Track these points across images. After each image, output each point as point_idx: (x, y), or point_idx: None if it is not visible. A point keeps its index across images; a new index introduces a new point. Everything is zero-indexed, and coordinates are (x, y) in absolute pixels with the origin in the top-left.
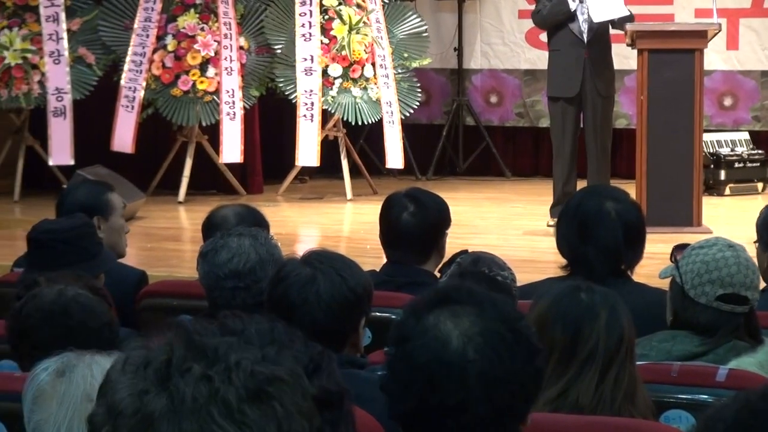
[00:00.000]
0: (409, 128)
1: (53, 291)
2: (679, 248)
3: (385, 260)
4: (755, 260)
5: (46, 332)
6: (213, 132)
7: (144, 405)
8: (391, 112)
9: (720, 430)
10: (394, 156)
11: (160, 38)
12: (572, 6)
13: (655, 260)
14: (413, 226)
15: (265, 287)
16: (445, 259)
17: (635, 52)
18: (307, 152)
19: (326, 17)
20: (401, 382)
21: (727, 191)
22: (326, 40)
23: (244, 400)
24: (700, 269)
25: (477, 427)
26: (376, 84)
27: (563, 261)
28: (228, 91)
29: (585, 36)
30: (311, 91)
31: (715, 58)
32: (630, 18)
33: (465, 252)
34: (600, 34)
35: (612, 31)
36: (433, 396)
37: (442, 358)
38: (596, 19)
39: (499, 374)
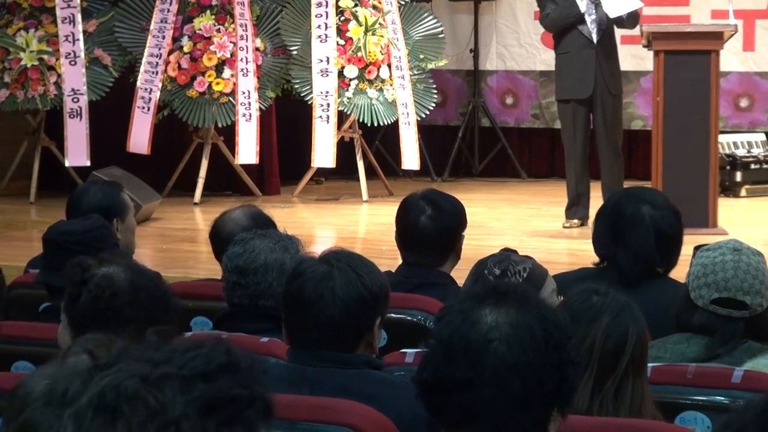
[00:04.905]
0: (424, 129)
1: (120, 270)
2: (699, 249)
3: (400, 261)
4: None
5: (144, 307)
6: (229, 133)
7: None
8: (407, 114)
9: None
10: (410, 157)
11: (176, 39)
12: (582, 7)
13: None
14: (431, 230)
15: (264, 291)
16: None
17: (651, 53)
18: (323, 153)
19: (342, 18)
20: (428, 354)
21: (743, 193)
22: (342, 42)
23: None
24: (698, 272)
25: (484, 411)
26: (392, 85)
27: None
28: (244, 93)
29: (594, 36)
30: (327, 92)
31: (732, 59)
32: (637, 13)
33: (509, 250)
34: (608, 33)
35: (626, 32)
36: (446, 368)
37: (465, 333)
38: (612, 14)
39: (516, 362)
